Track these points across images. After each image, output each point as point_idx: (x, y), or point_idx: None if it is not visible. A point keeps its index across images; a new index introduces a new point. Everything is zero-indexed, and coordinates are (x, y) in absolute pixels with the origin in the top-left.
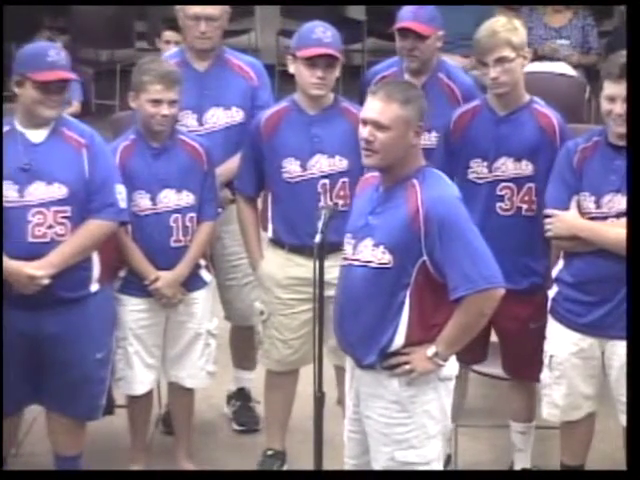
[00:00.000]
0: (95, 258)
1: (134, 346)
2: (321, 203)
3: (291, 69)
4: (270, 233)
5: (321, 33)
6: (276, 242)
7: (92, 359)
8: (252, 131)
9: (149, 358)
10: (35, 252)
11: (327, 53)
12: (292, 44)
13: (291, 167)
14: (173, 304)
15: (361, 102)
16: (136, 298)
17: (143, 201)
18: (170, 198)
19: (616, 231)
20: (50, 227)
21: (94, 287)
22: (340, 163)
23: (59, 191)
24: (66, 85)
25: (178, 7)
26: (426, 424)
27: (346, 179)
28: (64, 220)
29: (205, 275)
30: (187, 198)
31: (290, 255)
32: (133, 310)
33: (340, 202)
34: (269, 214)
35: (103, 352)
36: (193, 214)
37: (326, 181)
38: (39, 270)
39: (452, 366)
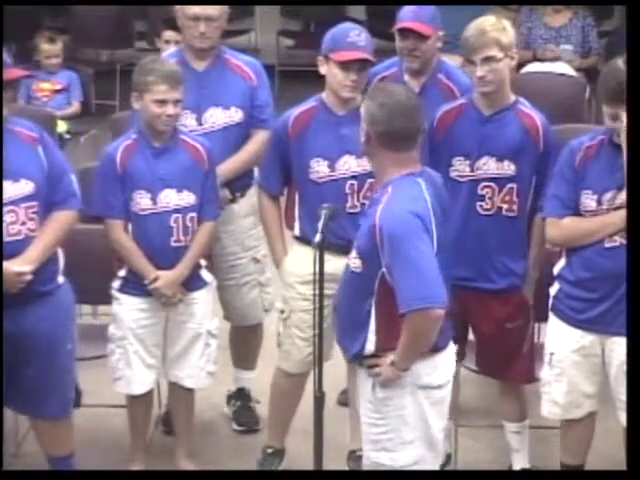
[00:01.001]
0: (59, 250)
1: (134, 345)
2: (348, 203)
3: (322, 70)
4: (297, 232)
5: (356, 36)
6: (303, 240)
7: (64, 350)
8: (279, 130)
9: (149, 358)
10: (12, 250)
11: (363, 58)
12: (325, 45)
13: (319, 167)
14: (173, 304)
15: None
16: (136, 298)
17: (144, 201)
18: (171, 198)
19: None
20: (23, 224)
21: (61, 279)
22: (368, 164)
23: (27, 187)
24: (15, 84)
25: (177, 7)
26: (400, 429)
27: (373, 180)
28: (33, 215)
29: (205, 275)
30: (188, 198)
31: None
32: (133, 310)
33: (367, 203)
34: (296, 213)
35: (72, 343)
36: (194, 214)
37: (354, 182)
38: (23, 266)
39: (437, 375)
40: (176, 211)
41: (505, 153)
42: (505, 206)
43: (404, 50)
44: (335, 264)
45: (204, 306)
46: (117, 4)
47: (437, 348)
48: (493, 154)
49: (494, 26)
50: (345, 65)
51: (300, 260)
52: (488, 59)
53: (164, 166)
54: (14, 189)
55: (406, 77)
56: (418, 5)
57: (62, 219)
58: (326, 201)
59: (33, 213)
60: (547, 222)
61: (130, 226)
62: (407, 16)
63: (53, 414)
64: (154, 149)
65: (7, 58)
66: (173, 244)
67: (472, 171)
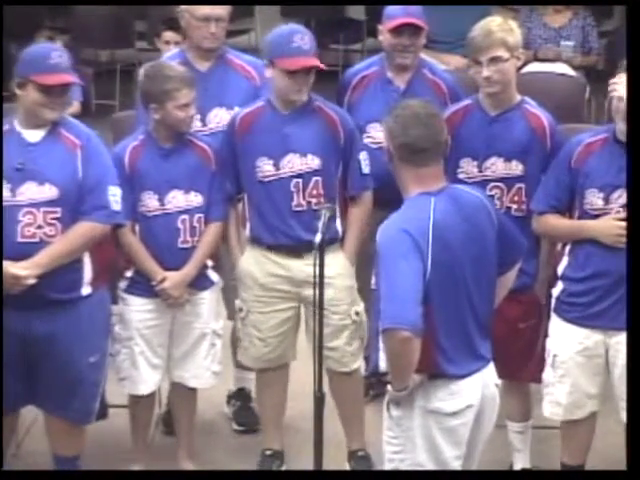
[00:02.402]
0: (87, 261)
1: (140, 346)
2: (294, 202)
3: (267, 74)
4: (248, 232)
5: (300, 40)
6: (254, 240)
7: (85, 362)
8: (227, 131)
9: (154, 358)
10: (24, 252)
11: (311, 65)
12: (268, 50)
13: (264, 167)
14: (179, 304)
15: (339, 101)
16: (142, 298)
17: (151, 202)
18: (178, 199)
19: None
20: (39, 227)
21: (85, 290)
22: (312, 162)
23: (49, 192)
24: (68, 88)
25: (183, 8)
26: (411, 450)
27: (319, 178)
28: (54, 221)
29: (212, 275)
30: (195, 199)
31: (267, 253)
32: (139, 310)
33: (313, 201)
34: (246, 213)
35: (96, 356)
36: (201, 215)
37: (299, 180)
38: (24, 270)
39: (452, 402)
40: (183, 212)
41: (513, 153)
42: (514, 206)
43: (399, 46)
44: (284, 265)
45: (210, 306)
46: (117, 4)
47: (453, 375)
48: (501, 154)
49: (501, 27)
50: (292, 72)
51: (253, 261)
52: (494, 59)
53: (171, 167)
54: (37, 192)
55: (389, 74)
56: (417, 5)
57: (82, 229)
58: (272, 200)
59: (54, 219)
60: (533, 215)
61: (137, 227)
62: (400, 13)
63: (73, 420)
64: (162, 150)
65: (67, 61)
66: (180, 245)
67: (480, 172)
